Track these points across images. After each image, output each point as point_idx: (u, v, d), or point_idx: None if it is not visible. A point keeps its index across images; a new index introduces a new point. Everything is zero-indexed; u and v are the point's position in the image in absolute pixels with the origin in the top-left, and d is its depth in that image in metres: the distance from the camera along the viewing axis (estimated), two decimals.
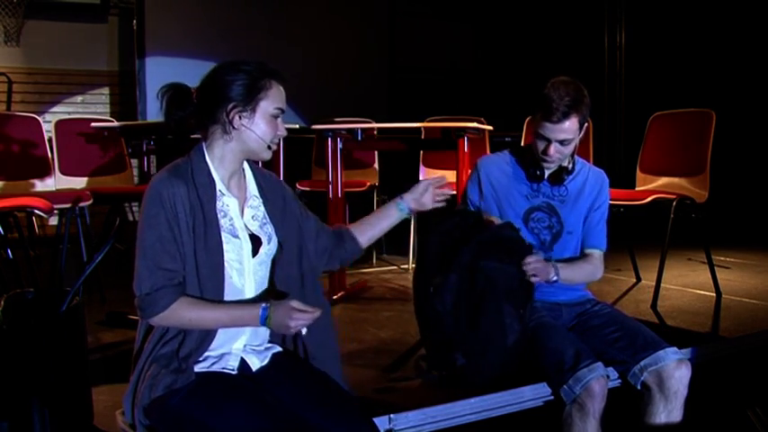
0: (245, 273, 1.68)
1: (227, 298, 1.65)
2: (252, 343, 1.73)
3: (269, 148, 1.70)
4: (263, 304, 1.60)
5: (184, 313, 1.58)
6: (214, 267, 1.62)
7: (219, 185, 1.67)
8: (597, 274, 2.27)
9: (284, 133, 1.71)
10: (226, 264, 1.64)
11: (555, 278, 2.10)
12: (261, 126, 1.66)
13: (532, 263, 2.01)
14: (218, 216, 1.64)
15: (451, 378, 2.13)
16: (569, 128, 2.10)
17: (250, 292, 1.70)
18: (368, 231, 1.92)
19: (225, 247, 1.63)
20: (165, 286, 1.57)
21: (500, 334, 2.01)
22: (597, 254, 2.28)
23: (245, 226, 1.70)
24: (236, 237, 1.66)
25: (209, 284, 1.62)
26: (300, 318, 1.57)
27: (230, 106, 1.63)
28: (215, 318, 1.61)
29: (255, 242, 1.69)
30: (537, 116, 2.13)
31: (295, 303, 1.59)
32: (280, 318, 1.58)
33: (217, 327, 1.63)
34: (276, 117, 1.68)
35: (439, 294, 2.01)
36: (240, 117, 1.64)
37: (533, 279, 2.01)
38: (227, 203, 1.67)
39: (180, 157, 1.70)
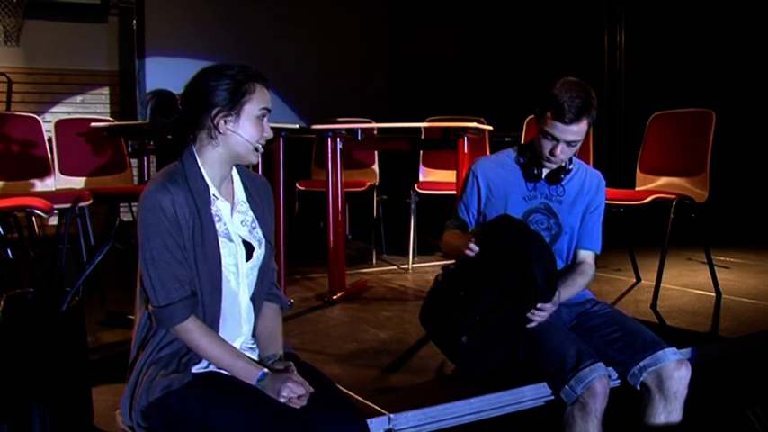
0: (240, 276, 1.70)
1: (223, 302, 1.66)
2: (248, 343, 1.75)
3: (255, 150, 1.68)
4: (264, 370, 1.61)
5: (195, 336, 1.60)
6: (212, 272, 1.62)
7: (213, 190, 1.67)
8: (590, 280, 2.29)
9: (270, 134, 1.70)
10: (223, 268, 1.65)
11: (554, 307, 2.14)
12: (247, 129, 1.64)
13: (545, 312, 2.06)
14: (214, 221, 1.64)
15: (459, 364, 2.16)
16: (580, 129, 2.11)
17: (244, 295, 1.71)
18: (262, 336, 1.78)
19: (222, 251, 1.64)
20: (181, 299, 1.58)
21: (517, 333, 2.07)
22: (590, 259, 2.30)
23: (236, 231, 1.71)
24: (231, 240, 1.67)
25: (206, 288, 1.62)
26: (293, 392, 1.57)
27: (215, 111, 1.62)
28: (219, 357, 1.62)
29: (248, 247, 1.70)
30: (545, 116, 2.12)
31: (295, 376, 1.60)
32: (275, 385, 1.58)
33: (213, 363, 1.63)
34: (262, 118, 1.67)
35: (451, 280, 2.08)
36: (225, 122, 1.63)
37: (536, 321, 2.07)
38: (220, 207, 1.68)
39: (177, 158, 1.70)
